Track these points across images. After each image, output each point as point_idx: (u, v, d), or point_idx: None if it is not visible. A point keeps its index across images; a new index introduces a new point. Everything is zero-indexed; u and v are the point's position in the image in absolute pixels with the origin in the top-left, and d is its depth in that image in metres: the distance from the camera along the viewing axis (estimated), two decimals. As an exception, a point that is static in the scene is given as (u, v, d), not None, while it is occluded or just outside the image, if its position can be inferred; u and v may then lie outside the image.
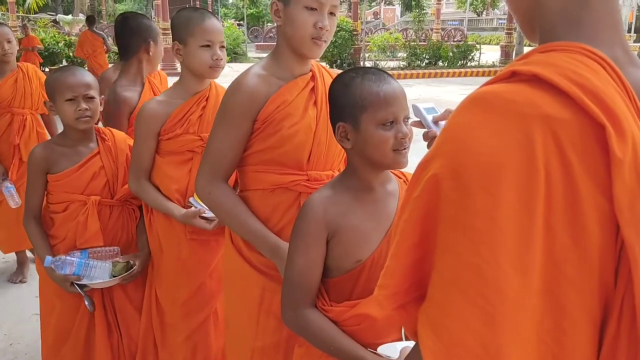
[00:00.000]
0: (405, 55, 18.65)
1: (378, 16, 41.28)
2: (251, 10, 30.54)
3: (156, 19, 19.75)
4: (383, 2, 41.94)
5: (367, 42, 18.72)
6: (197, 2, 43.98)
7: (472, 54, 18.70)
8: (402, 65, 18.35)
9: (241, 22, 31.95)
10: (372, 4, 42.95)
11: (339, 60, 18.69)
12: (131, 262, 2.14)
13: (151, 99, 2.17)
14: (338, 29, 18.24)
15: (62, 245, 2.16)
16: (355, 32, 18.70)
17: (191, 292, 2.17)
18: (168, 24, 18.50)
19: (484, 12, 39.69)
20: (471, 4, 36.27)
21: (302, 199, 1.64)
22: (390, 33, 21.93)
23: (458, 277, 0.68)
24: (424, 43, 19.92)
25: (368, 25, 18.57)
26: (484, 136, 0.68)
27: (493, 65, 18.81)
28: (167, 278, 2.18)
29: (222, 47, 2.06)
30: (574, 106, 0.68)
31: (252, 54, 25.09)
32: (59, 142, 2.19)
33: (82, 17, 23.16)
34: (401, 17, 47.88)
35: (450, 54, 18.40)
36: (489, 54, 19.95)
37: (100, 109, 2.17)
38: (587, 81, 0.70)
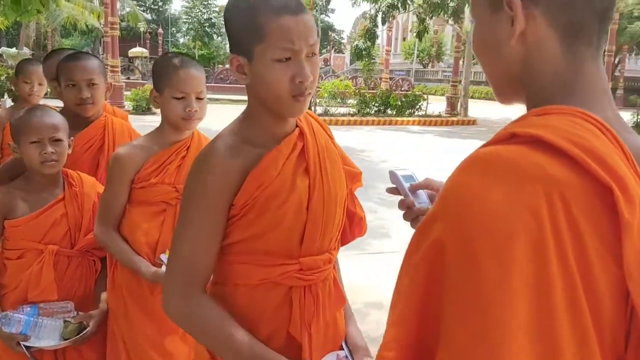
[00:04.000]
0: (355, 102, 18.97)
1: (328, 63, 42.14)
2: (202, 52, 30.52)
3: (105, 55, 19.46)
4: (333, 49, 42.99)
5: (318, 87, 18.95)
6: (147, 42, 43.93)
7: (419, 104, 19.20)
8: (352, 112, 18.63)
9: (192, 62, 31.79)
10: (323, 51, 43.89)
11: (290, 105, 18.79)
12: (84, 322, 1.95)
13: (128, 143, 2.04)
14: (290, 73, 18.43)
15: (12, 295, 1.99)
16: (306, 78, 18.90)
17: (163, 353, 1.99)
18: (117, 62, 18.28)
19: (430, 64, 41.25)
20: (418, 56, 37.67)
21: (295, 295, 1.33)
22: (341, 80, 22.30)
23: (469, 349, 0.64)
24: (373, 91, 20.37)
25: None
26: (489, 199, 0.66)
27: (439, 115, 19.42)
28: (135, 337, 1.99)
29: (200, 98, 1.91)
30: (578, 169, 0.67)
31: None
32: (21, 186, 2.03)
33: (27, 50, 22.52)
34: (350, 64, 49.13)
35: (399, 102, 18.84)
36: (436, 104, 20.54)
37: (69, 151, 2.02)
38: (589, 144, 0.69)
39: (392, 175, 1.25)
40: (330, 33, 21.44)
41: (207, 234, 1.27)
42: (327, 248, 1.38)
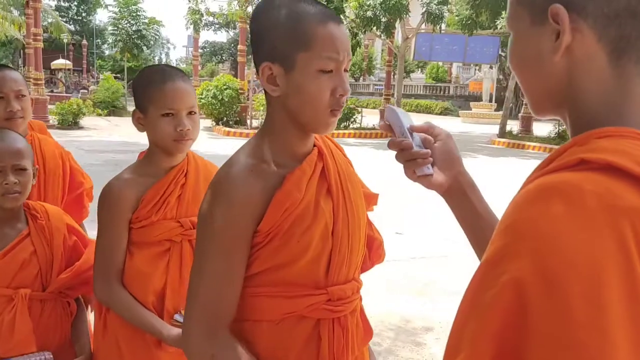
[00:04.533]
0: (290, 115, 18.94)
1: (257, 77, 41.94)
2: (130, 64, 29.66)
3: (27, 68, 18.51)
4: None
5: (252, 101, 18.80)
6: (71, 53, 42.26)
7: (354, 117, 19.42)
8: (288, 125, 18.58)
9: (118, 74, 30.93)
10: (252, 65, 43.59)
11: (225, 119, 18.59)
12: None
13: (116, 177, 1.71)
14: (225, 87, 18.26)
15: None
16: (241, 91, 18.76)
17: None
18: (41, 74, 17.44)
19: (361, 78, 41.95)
20: (349, 70, 38.15)
21: (323, 329, 1.21)
22: (275, 93, 22.22)
23: None
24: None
25: (251, 84, 18.70)
26: (571, 233, 0.61)
27: (374, 128, 19.70)
28: None
29: (192, 113, 1.67)
30: None
31: (132, 107, 24.06)
32: None
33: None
34: (282, 78, 49.10)
35: (334, 115, 18.98)
36: (369, 117, 20.86)
37: (33, 182, 1.79)
38: None
39: (390, 112, 1.13)
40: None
41: (231, 268, 1.16)
42: (353, 276, 1.28)
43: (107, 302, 1.68)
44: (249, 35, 1.18)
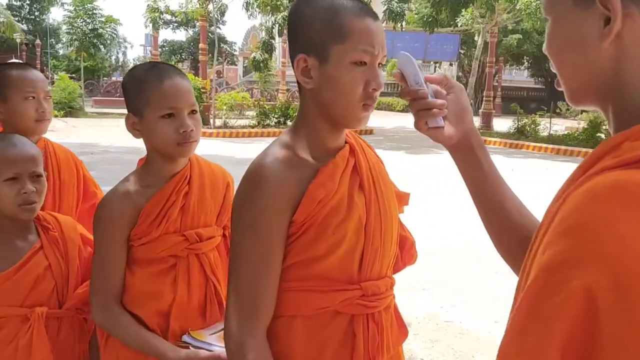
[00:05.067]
0: (254, 114, 18.81)
1: (221, 75, 41.60)
2: (86, 63, 28.89)
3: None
4: (225, 61, 42.50)
5: (214, 100, 18.54)
6: (24, 54, 40.92)
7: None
8: (252, 124, 18.44)
9: (74, 75, 30.06)
10: (214, 63, 43.23)
11: (187, 118, 18.27)
12: None
13: (112, 191, 1.57)
14: (186, 86, 17.95)
15: None
16: (204, 90, 18.50)
17: None
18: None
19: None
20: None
21: (357, 325, 1.21)
22: (238, 92, 22.00)
23: None
24: (272, 102, 20.33)
25: (214, 83, 18.47)
26: None
27: (338, 126, 19.70)
28: None
29: (193, 112, 1.54)
30: None
31: (89, 109, 23.67)
32: None
33: None
34: (244, 76, 48.84)
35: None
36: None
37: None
38: None
39: (405, 60, 1.11)
40: (222, 45, 21.01)
41: (270, 254, 1.17)
42: (386, 272, 1.28)
43: (105, 326, 1.55)
44: (284, 28, 1.16)
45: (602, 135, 16.35)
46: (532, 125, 18.00)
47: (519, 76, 39.52)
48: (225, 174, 1.71)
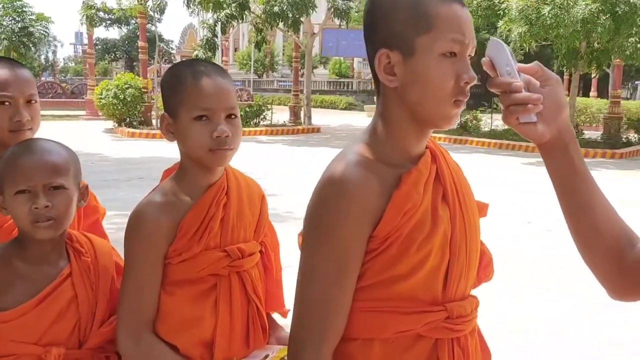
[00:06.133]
0: (198, 114, 18.40)
1: (159, 74, 40.58)
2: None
3: None
4: (163, 60, 41.44)
5: (153, 99, 17.98)
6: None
7: (264, 113, 19.18)
8: (196, 124, 18.02)
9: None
10: (151, 62, 42.24)
11: (128, 119, 17.67)
12: None
13: (145, 202, 1.38)
14: (127, 86, 17.35)
15: None
16: (145, 90, 17.93)
17: None
18: None
19: (264, 74, 41.65)
20: (253, 67, 37.81)
21: (442, 351, 1.09)
22: (179, 91, 21.44)
23: None
24: (216, 102, 19.94)
25: (155, 83, 17.94)
26: None
27: (284, 124, 19.62)
28: None
29: (232, 116, 1.36)
30: None
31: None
32: (14, 254, 1.37)
33: None
34: (181, 76, 47.69)
35: (244, 113, 18.65)
36: (277, 114, 20.66)
37: (80, 204, 1.43)
38: None
39: (495, 46, 1.00)
40: (159, 43, 20.39)
41: (344, 272, 1.04)
42: (469, 292, 1.16)
43: (136, 359, 1.36)
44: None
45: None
46: (474, 121, 18.48)
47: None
48: (259, 187, 1.55)
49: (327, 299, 1.04)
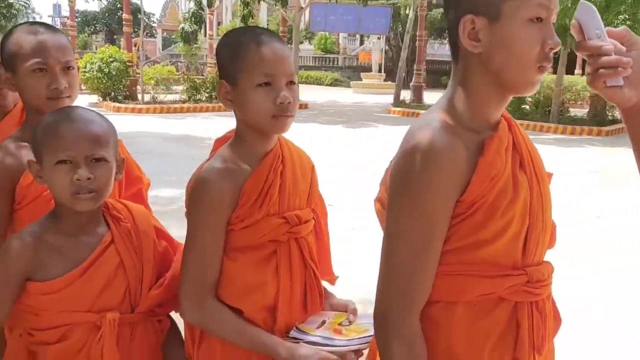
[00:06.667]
0: (183, 88, 18.13)
1: (143, 48, 39.87)
2: (-7, 35, 26.72)
3: None
4: (145, 33, 40.74)
5: (137, 73, 17.68)
6: None
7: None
8: (183, 99, 17.78)
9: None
10: (132, 35, 41.54)
11: (113, 93, 17.38)
12: None
13: (207, 169, 1.39)
14: (111, 59, 17.01)
15: None
16: (130, 64, 17.60)
17: None
18: None
19: (248, 49, 41.15)
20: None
21: (521, 313, 1.12)
22: (163, 66, 21.10)
23: None
24: (202, 76, 19.68)
25: (141, 56, 17.63)
26: None
27: (272, 100, 19.41)
28: None
29: (291, 82, 1.37)
30: None
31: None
32: (51, 229, 1.35)
33: None
34: (163, 49, 47.02)
35: (230, 88, 18.47)
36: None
37: (118, 177, 1.41)
38: None
39: (586, 9, 1.01)
40: (141, 16, 19.93)
41: (432, 236, 1.07)
42: (543, 258, 1.19)
43: (204, 324, 1.37)
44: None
45: (527, 107, 17.10)
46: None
47: (441, 50, 40.47)
48: (308, 156, 1.56)
49: (415, 263, 1.07)
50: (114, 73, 16.91)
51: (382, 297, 1.10)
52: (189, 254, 1.37)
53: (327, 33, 35.52)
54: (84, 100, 18.47)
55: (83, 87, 18.48)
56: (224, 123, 12.03)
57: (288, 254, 1.40)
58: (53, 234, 1.35)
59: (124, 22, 18.54)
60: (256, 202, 1.36)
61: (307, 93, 21.99)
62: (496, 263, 1.10)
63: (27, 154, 1.54)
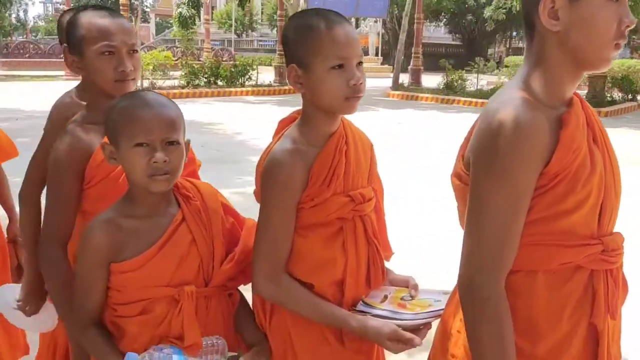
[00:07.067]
0: (182, 74, 18.05)
1: (137, 35, 39.57)
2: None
3: None
4: (138, 19, 40.41)
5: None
6: None
7: (249, 73, 18.92)
8: (181, 84, 17.70)
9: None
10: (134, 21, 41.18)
11: (110, 79, 17.26)
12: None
13: (278, 150, 1.43)
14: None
15: None
16: (127, 49, 17.47)
17: None
18: None
19: (244, 34, 40.89)
20: (231, 26, 37.07)
21: (597, 281, 1.19)
22: (160, 51, 20.96)
23: None
24: (200, 61, 19.57)
25: (137, 41, 17.45)
26: None
27: (270, 85, 19.40)
28: None
29: (360, 63, 1.40)
30: None
31: (-3, 71, 21.77)
32: (125, 213, 1.41)
33: None
34: (157, 35, 46.62)
35: (229, 73, 18.38)
36: (261, 74, 20.37)
37: (185, 160, 1.44)
38: None
39: None
40: (132, 0, 19.76)
41: (518, 212, 1.12)
42: (614, 228, 1.26)
43: (277, 299, 1.44)
44: None
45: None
46: (460, 81, 18.55)
47: (437, 33, 40.35)
48: (367, 137, 1.60)
49: (502, 231, 1.12)
50: (111, 59, 16.80)
51: (470, 262, 1.15)
52: (263, 233, 1.42)
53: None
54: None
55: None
56: (224, 108, 12.10)
57: (353, 231, 1.46)
58: (128, 217, 1.41)
59: (121, 8, 18.36)
60: (324, 181, 1.41)
61: (304, 77, 21.89)
62: (575, 233, 1.16)
63: (95, 136, 1.61)
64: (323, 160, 1.41)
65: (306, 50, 1.37)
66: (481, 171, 1.13)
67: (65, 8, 22.25)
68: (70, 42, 1.65)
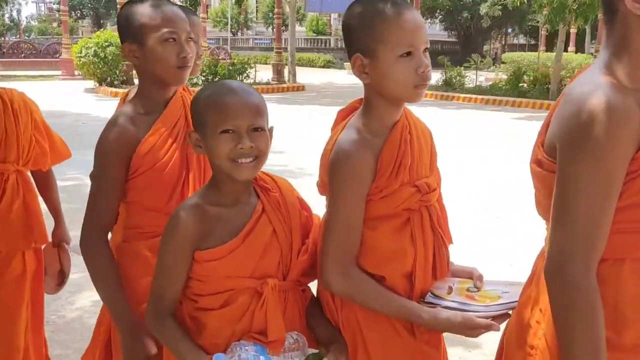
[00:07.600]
0: (179, 72, 17.97)
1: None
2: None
3: None
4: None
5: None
6: None
7: (247, 72, 18.87)
8: (180, 83, 17.62)
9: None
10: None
11: (109, 79, 17.20)
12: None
13: (346, 139, 1.39)
14: (107, 44, 16.81)
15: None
16: (126, 49, 17.39)
17: None
18: None
19: (239, 32, 40.79)
20: (226, 24, 36.96)
21: None
22: (157, 50, 20.83)
23: None
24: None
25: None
26: None
27: (268, 83, 19.36)
28: None
29: (426, 49, 1.36)
30: None
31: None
32: (211, 200, 1.39)
33: None
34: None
35: (227, 71, 18.31)
36: (259, 72, 20.30)
37: (270, 146, 1.43)
38: None
39: None
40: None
41: (611, 197, 1.09)
42: None
43: (348, 293, 1.40)
44: None
45: (525, 85, 17.17)
46: (458, 78, 18.55)
47: (432, 30, 40.36)
48: (426, 125, 1.57)
49: (594, 216, 1.10)
50: (109, 58, 16.71)
51: (561, 251, 1.12)
52: (333, 225, 1.39)
53: (318, 14, 35.26)
54: (79, 86, 18.22)
55: (77, 73, 18.26)
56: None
57: (420, 222, 1.43)
58: (213, 205, 1.39)
59: (118, 6, 18.27)
60: (392, 172, 1.38)
61: (301, 75, 21.88)
62: None
63: (142, 126, 1.63)
64: (390, 151, 1.39)
65: (372, 39, 1.33)
66: (573, 158, 1.11)
67: (63, 8, 22.12)
68: (130, 31, 1.63)
